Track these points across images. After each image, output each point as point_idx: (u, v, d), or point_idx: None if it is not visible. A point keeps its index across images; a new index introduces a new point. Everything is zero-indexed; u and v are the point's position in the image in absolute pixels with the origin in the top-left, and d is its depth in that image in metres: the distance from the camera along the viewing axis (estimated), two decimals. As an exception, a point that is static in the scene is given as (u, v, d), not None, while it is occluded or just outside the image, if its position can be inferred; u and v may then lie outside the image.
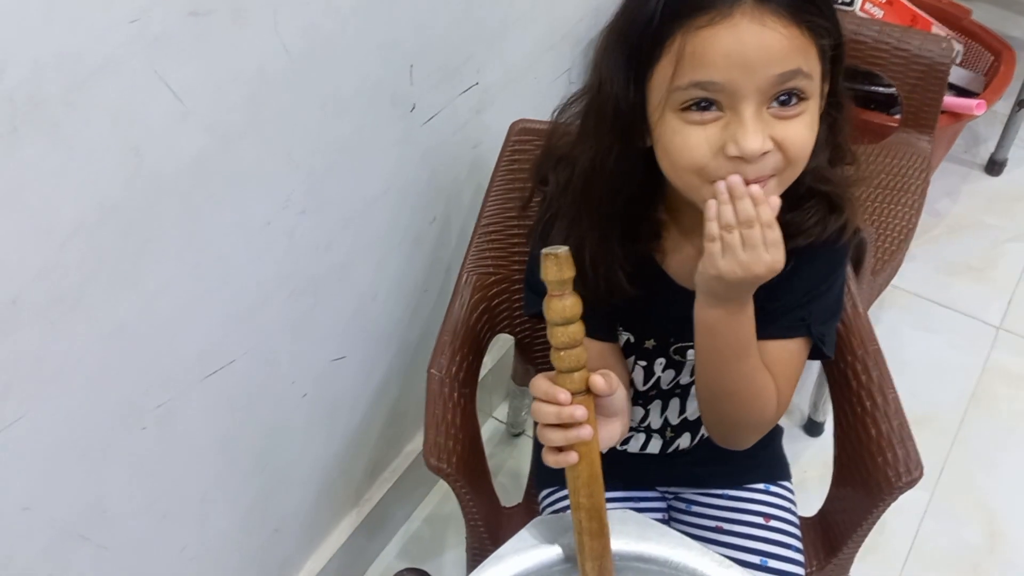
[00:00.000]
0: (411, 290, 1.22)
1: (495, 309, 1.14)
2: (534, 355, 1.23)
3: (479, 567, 0.74)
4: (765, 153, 0.68)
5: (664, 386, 0.93)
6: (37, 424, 0.74)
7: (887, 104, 1.69)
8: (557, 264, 0.61)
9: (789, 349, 0.82)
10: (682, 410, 0.96)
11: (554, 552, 0.74)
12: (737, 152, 0.68)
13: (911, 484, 0.90)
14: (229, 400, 0.95)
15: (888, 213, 1.48)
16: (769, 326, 0.80)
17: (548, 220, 0.83)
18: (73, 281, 0.71)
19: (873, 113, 1.68)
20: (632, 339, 0.90)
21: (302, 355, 1.04)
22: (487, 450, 1.58)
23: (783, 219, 0.72)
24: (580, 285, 0.63)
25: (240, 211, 0.85)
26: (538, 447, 1.13)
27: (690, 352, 0.88)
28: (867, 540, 0.97)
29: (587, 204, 0.79)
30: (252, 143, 0.83)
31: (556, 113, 0.84)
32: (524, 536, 0.76)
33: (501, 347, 1.50)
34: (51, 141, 0.65)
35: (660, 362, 0.91)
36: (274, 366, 1.00)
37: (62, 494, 0.79)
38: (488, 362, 1.49)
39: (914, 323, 1.77)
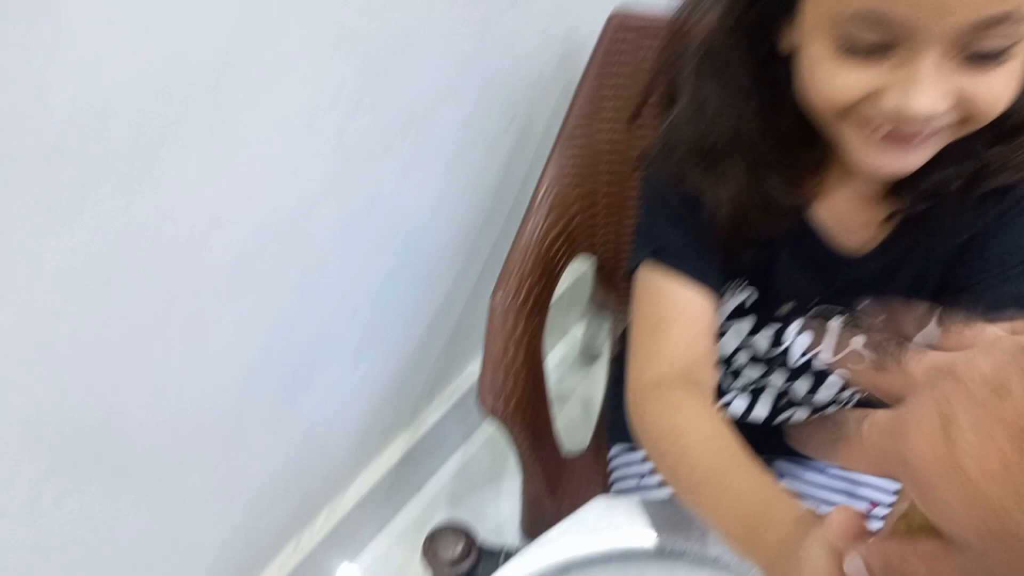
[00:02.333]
0: (481, 202, 1.08)
1: (575, 229, 0.99)
2: (617, 281, 1.09)
3: (524, 550, 0.63)
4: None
5: (794, 361, 0.76)
6: (42, 327, 0.65)
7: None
8: None
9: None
10: (812, 388, 0.79)
11: (614, 541, 0.62)
12: (899, 108, 0.51)
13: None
14: (267, 317, 0.85)
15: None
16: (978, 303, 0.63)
17: (670, 147, 0.67)
18: (68, 180, 0.60)
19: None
20: (757, 298, 0.74)
21: (355, 267, 0.93)
22: (558, 374, 1.48)
23: (985, 154, 0.57)
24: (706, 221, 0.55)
25: (279, 105, 0.72)
26: (614, 390, 1.01)
27: (835, 320, 0.72)
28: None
29: (733, 121, 0.62)
30: (293, 23, 0.69)
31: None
32: (584, 517, 0.64)
33: (581, 263, 1.35)
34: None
35: (795, 326, 0.74)
36: (322, 278, 0.89)
37: (75, 406, 0.71)
38: (566, 280, 1.35)
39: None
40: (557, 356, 1.48)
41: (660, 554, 0.62)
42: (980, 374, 0.31)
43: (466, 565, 0.79)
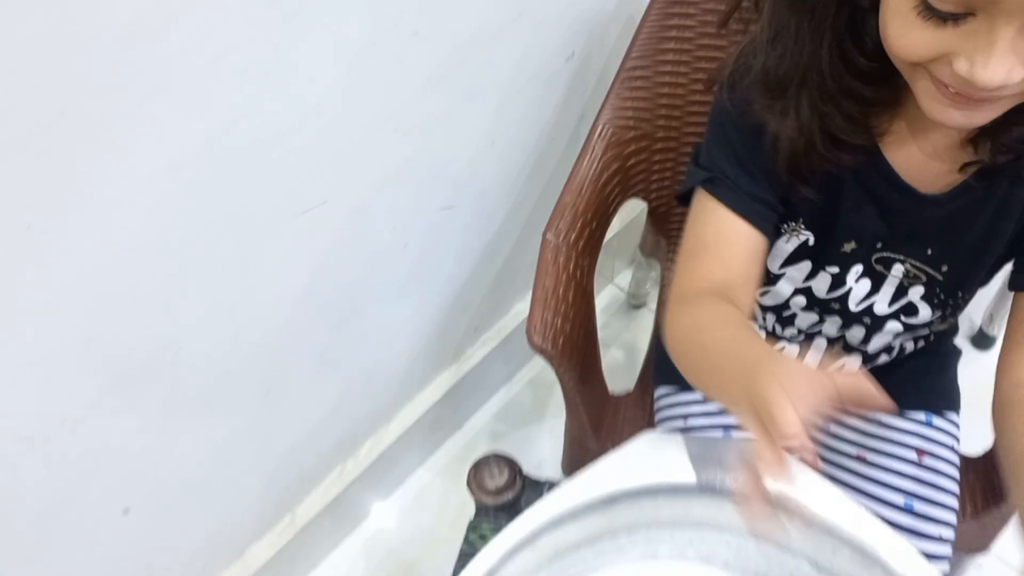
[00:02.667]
0: (536, 138, 1.07)
1: (630, 171, 0.98)
2: (669, 227, 1.07)
3: (570, 480, 0.63)
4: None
5: (853, 306, 0.75)
6: (94, 252, 0.66)
7: None
8: None
9: None
10: (865, 339, 0.78)
11: (661, 475, 0.62)
12: (970, 75, 0.49)
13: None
14: (320, 242, 0.85)
15: None
16: None
17: (742, 71, 0.65)
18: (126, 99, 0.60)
19: None
20: (815, 242, 0.73)
21: (405, 201, 0.93)
22: (603, 319, 1.48)
23: None
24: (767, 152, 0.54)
25: (336, 26, 0.72)
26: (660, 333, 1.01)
27: (897, 266, 0.71)
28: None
29: (810, 50, 0.60)
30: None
31: None
32: (632, 450, 0.64)
33: (631, 210, 1.34)
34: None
35: (856, 270, 0.73)
36: (373, 212, 0.89)
37: (129, 330, 0.73)
38: (616, 224, 1.34)
39: None
40: (602, 302, 1.48)
41: (707, 490, 0.62)
42: None
43: (511, 494, 0.80)
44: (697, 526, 0.67)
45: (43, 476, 0.75)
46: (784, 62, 0.61)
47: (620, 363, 1.40)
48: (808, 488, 0.61)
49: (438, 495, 1.29)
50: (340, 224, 0.86)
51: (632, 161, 0.98)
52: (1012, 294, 0.69)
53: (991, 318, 1.33)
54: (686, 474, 0.62)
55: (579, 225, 0.91)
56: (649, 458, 0.63)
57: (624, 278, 1.48)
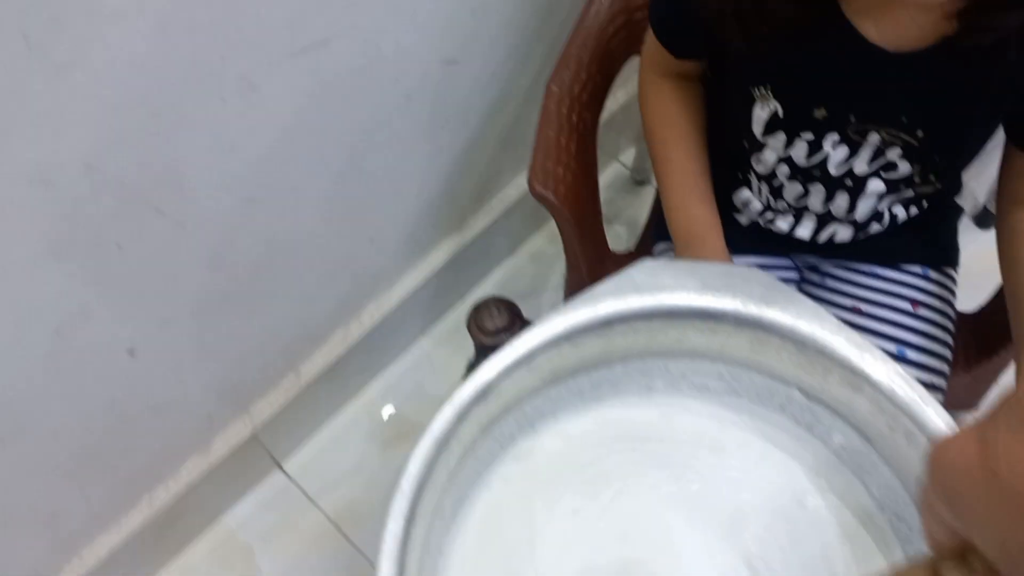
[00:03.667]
0: (541, -4, 1.04)
1: (636, 25, 0.96)
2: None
3: (567, 303, 0.64)
4: None
5: (833, 170, 0.74)
6: (96, 69, 0.65)
7: None
8: None
9: None
10: (851, 208, 0.78)
11: (658, 299, 0.63)
12: None
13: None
14: (321, 84, 0.84)
15: None
16: None
17: None
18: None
19: None
20: (782, 112, 0.72)
21: (409, 50, 0.91)
22: (606, 196, 1.47)
23: None
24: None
25: None
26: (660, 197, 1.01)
27: (873, 136, 0.70)
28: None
29: None
30: None
31: None
32: (630, 276, 0.64)
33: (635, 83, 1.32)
34: None
35: (832, 138, 0.72)
36: (375, 57, 0.88)
37: (129, 155, 0.73)
38: (621, 97, 1.32)
39: None
40: (607, 179, 1.47)
41: (702, 314, 0.63)
42: None
43: (509, 336, 0.81)
44: (691, 356, 0.68)
45: (49, 301, 0.76)
46: None
47: (623, 238, 1.40)
48: (801, 313, 0.62)
49: (440, 363, 1.31)
50: (341, 67, 0.85)
51: (638, 16, 0.95)
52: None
53: (995, 196, 1.32)
54: (683, 299, 0.63)
55: (583, 77, 0.90)
56: (647, 283, 0.63)
57: (628, 155, 1.47)
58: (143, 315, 0.87)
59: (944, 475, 0.28)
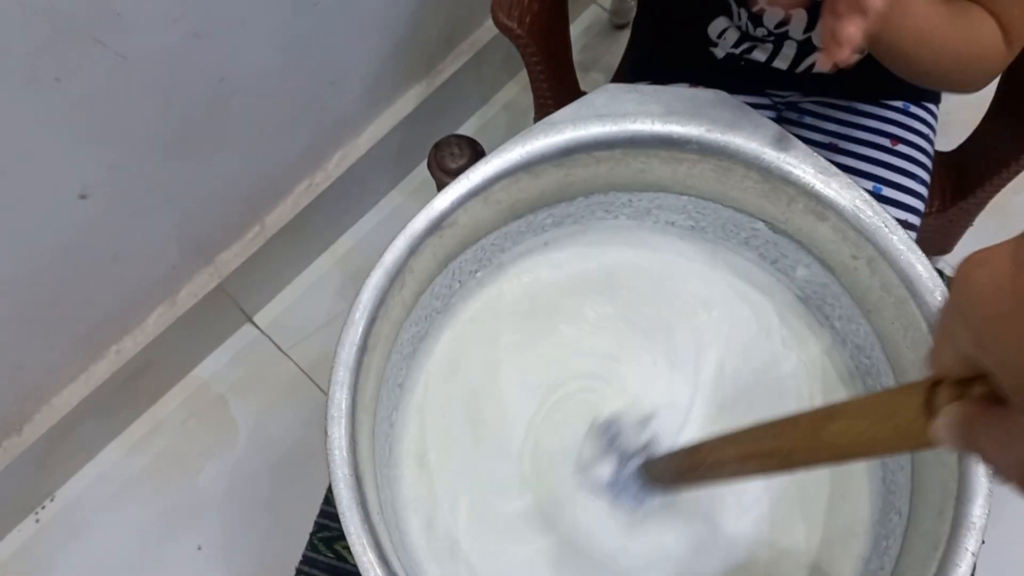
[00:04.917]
0: None
1: None
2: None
3: (527, 130, 0.61)
4: None
5: None
6: None
7: None
8: None
9: None
10: None
11: (621, 125, 0.60)
12: None
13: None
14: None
15: None
16: None
17: None
18: None
19: None
20: None
21: None
22: (583, 41, 1.41)
23: None
24: None
25: None
26: (635, 38, 0.96)
27: None
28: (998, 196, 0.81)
29: None
30: None
31: None
32: (590, 101, 0.61)
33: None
34: None
35: None
36: None
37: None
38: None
39: None
40: (584, 23, 1.40)
41: (667, 141, 0.60)
42: None
43: (471, 174, 0.78)
44: (655, 188, 0.66)
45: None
46: None
47: (599, 82, 1.34)
48: (767, 138, 0.59)
49: (409, 214, 1.28)
50: None
51: None
52: None
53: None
54: (647, 125, 0.60)
55: None
56: (609, 108, 0.60)
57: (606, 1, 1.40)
58: (92, 156, 0.83)
59: (970, 295, 0.25)
